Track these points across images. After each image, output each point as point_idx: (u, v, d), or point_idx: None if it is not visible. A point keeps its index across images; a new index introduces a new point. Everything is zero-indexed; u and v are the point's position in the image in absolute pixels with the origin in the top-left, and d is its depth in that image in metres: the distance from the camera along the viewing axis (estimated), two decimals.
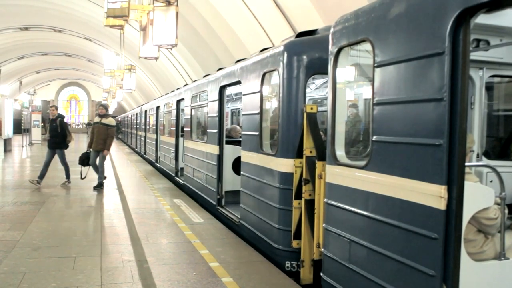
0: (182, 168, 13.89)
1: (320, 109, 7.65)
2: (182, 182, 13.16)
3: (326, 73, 5.04)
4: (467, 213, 3.42)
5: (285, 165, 6.17)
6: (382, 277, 3.89)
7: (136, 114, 30.55)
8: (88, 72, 61.79)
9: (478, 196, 3.59)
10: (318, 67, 6.14)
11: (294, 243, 6.02)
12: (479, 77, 5.52)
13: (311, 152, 5.69)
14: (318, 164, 5.37)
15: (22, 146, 31.38)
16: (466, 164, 3.42)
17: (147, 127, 23.66)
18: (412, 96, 3.55)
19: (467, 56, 3.17)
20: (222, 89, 9.16)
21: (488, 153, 5.97)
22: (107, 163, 20.79)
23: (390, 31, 3.85)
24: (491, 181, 4.93)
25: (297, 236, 5.96)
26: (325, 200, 4.93)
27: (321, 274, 4.98)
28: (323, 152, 5.27)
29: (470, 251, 3.63)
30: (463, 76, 3.16)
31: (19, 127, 35.96)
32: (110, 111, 61.90)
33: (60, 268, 5.91)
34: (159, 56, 14.67)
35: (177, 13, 11.85)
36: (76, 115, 76.36)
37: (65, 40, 41.63)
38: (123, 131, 47.91)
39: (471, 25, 3.18)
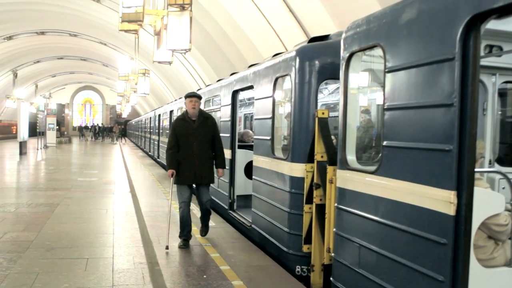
0: None
1: (333, 114, 7.69)
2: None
3: (338, 78, 5.06)
4: (477, 219, 3.42)
5: (297, 169, 6.19)
6: (391, 282, 3.90)
7: (150, 118, 30.73)
8: (102, 76, 62.32)
9: (488, 202, 3.59)
10: (330, 72, 6.15)
11: (305, 248, 6.03)
12: (491, 83, 5.51)
13: (322, 157, 5.71)
14: (329, 169, 5.39)
15: (37, 149, 31.73)
16: (476, 170, 3.42)
17: (161, 131, 23.79)
18: (423, 101, 3.56)
19: (477, 62, 3.17)
20: (235, 93, 9.21)
21: (501, 160, 5.94)
22: (120, 166, 21.00)
23: (401, 37, 3.87)
24: (503, 188, 4.90)
25: (308, 240, 5.97)
26: (336, 204, 4.94)
27: (331, 278, 4.99)
28: (334, 157, 5.28)
29: (480, 257, 3.62)
30: (473, 81, 3.17)
31: (34, 130, 36.35)
32: (124, 115, 62.31)
33: (72, 269, 5.97)
34: (173, 60, 14.80)
35: (191, 18, 11.94)
36: (91, 118, 76.91)
37: (80, 44, 42.08)
38: (135, 134, 48.19)
39: (482, 31, 3.19)
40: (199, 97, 7.28)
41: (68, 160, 25.13)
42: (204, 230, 7.77)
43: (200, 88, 16.42)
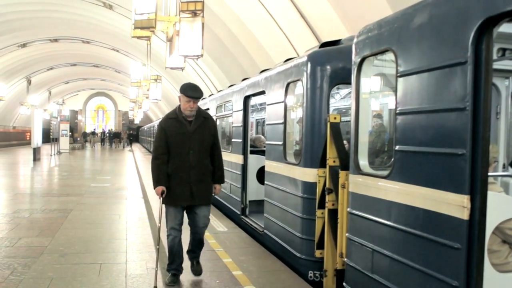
0: None
1: (344, 119, 7.68)
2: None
3: (349, 83, 5.06)
4: (491, 223, 3.40)
5: (309, 174, 6.19)
6: (404, 287, 3.88)
7: None
8: (115, 83, 62.73)
9: (502, 206, 3.57)
10: (342, 77, 6.15)
11: (317, 253, 6.02)
12: (505, 87, 5.48)
13: (334, 161, 5.70)
14: (342, 173, 5.38)
15: (51, 155, 31.98)
16: (490, 174, 3.40)
17: None
18: (435, 105, 3.55)
19: (490, 65, 3.16)
20: (246, 99, 9.23)
21: None
22: (133, 172, 21.09)
23: (413, 41, 3.86)
24: None
25: (320, 245, 5.96)
26: (348, 209, 4.93)
27: (344, 284, 4.98)
28: (346, 161, 5.27)
29: (495, 262, 3.60)
30: (486, 85, 3.15)
31: (48, 137, 36.67)
32: (136, 121, 62.28)
33: (86, 274, 6.02)
34: (185, 66, 14.88)
35: (203, 24, 12.01)
36: (104, 124, 77.37)
37: (93, 51, 42.44)
38: (148, 140, 48.34)
39: (494, 34, 3.17)
40: (201, 97, 5.70)
41: (81, 166, 25.29)
42: (197, 268, 6.08)
43: (212, 94, 16.46)
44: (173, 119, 5.74)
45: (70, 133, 39.98)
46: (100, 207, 11.19)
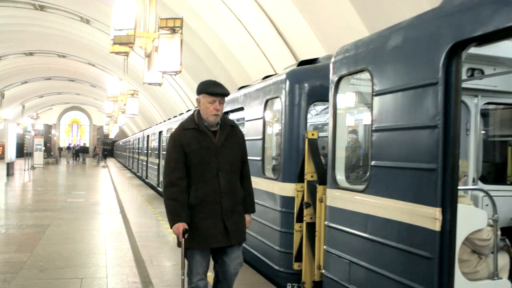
0: None
1: (321, 134, 7.88)
2: None
3: (326, 100, 5.26)
4: (461, 234, 3.60)
5: (287, 189, 6.34)
6: None
7: (138, 138, 30.80)
8: (90, 97, 62.22)
9: (471, 218, 3.78)
10: (319, 95, 6.36)
11: (296, 265, 6.16)
12: (474, 105, 5.74)
13: (312, 176, 5.87)
14: (319, 188, 5.55)
15: (24, 170, 31.54)
16: (460, 187, 3.62)
17: (149, 151, 23.86)
18: (408, 123, 3.76)
19: (459, 86, 3.39)
20: (225, 115, 9.35)
21: (484, 178, 6.16)
22: (109, 187, 20.99)
23: (388, 62, 4.09)
24: (487, 205, 5.09)
25: (299, 258, 6.10)
26: (326, 222, 5.10)
27: None
28: (324, 176, 5.45)
29: (465, 271, 3.80)
30: (455, 104, 3.38)
31: (22, 151, 36.19)
32: (111, 136, 61.34)
33: None
34: (163, 82, 14.96)
35: (181, 40, 12.14)
36: (78, 139, 76.52)
37: (68, 65, 42.13)
38: (123, 155, 47.88)
39: (463, 57, 3.40)
40: (228, 94, 4.32)
41: (56, 181, 25.06)
42: None
43: (190, 109, 16.58)
44: (193, 130, 4.27)
45: (44, 147, 39.46)
46: (77, 222, 11.16)
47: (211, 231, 4.15)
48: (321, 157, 6.19)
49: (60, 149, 62.11)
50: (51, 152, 59.84)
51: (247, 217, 4.50)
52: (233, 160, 4.33)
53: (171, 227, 4.12)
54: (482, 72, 5.02)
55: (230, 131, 4.37)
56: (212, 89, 4.20)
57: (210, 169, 4.17)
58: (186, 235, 4.06)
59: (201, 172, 4.17)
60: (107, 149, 64.18)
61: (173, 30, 12.24)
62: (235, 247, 4.31)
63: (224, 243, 4.20)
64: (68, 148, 59.80)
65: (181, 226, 4.05)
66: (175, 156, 4.19)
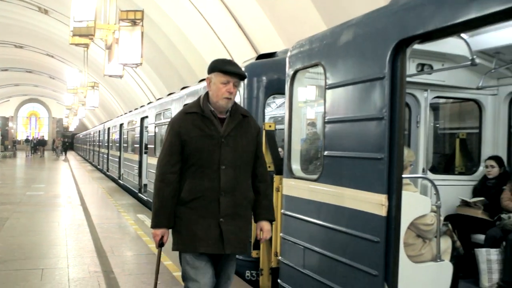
0: (145, 185, 14.06)
1: (279, 127, 8.08)
2: (146, 198, 13.34)
3: (284, 93, 5.44)
4: (406, 219, 3.85)
5: None
6: (333, 280, 4.26)
7: (99, 131, 30.48)
8: (49, 89, 61.10)
9: (415, 204, 4.04)
10: (277, 88, 6.54)
11: (254, 253, 6.33)
12: (424, 98, 6.02)
13: (269, 166, 6.05)
14: (276, 178, 5.73)
15: None
16: (405, 176, 3.86)
17: (110, 144, 23.68)
18: (358, 115, 3.97)
19: (404, 80, 3.61)
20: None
21: (434, 168, 6.48)
22: (69, 180, 20.77)
23: (339, 57, 4.29)
24: (435, 193, 5.38)
25: (256, 246, 6.29)
26: (282, 211, 5.29)
27: (279, 280, 5.32)
28: (280, 166, 5.64)
29: (410, 254, 4.06)
30: (400, 98, 3.60)
31: None
32: (71, 128, 59.94)
33: (28, 279, 6.07)
34: (124, 74, 14.94)
35: (142, 32, 12.17)
36: (36, 132, 74.99)
37: (26, 56, 41.31)
38: (83, 148, 47.10)
39: (408, 53, 3.63)
40: (245, 77, 3.76)
41: (14, 175, 24.63)
42: None
43: (151, 102, 16.55)
44: (195, 114, 3.65)
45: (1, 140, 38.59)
46: (37, 215, 11.07)
47: (202, 233, 3.51)
48: (280, 149, 6.38)
49: (15, 142, 60.52)
50: (8, 145, 58.40)
51: (264, 225, 3.78)
52: (241, 154, 3.63)
53: (151, 227, 3.66)
54: (431, 67, 5.29)
55: (242, 120, 3.70)
56: (228, 67, 3.60)
57: (211, 162, 3.53)
58: (163, 242, 3.63)
59: (199, 164, 3.54)
60: (67, 142, 62.97)
61: (133, 22, 12.26)
62: (229, 258, 3.74)
63: (217, 251, 3.54)
64: (27, 141, 58.47)
65: (159, 234, 3.58)
66: (169, 145, 3.63)
